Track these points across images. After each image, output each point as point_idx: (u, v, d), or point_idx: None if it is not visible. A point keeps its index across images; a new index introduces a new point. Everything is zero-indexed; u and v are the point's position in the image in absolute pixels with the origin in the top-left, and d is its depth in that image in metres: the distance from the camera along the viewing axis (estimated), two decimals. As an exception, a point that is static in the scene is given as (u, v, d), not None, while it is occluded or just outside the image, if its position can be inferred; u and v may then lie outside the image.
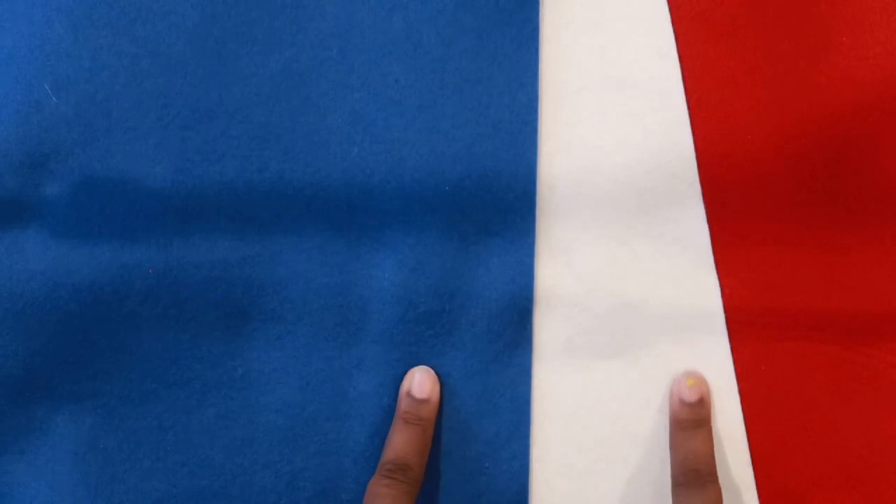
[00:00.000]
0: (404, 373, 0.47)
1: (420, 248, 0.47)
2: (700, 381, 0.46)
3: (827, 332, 0.47)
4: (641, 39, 0.47)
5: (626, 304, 0.47)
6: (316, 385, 0.47)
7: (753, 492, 0.47)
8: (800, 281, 0.47)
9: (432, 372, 0.47)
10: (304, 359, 0.47)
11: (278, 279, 0.47)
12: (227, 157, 0.46)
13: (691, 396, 0.46)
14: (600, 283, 0.47)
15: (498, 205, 0.47)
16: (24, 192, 0.46)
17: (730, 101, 0.47)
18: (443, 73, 0.47)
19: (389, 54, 0.46)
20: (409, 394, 0.46)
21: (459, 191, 0.46)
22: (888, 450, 0.47)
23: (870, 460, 0.47)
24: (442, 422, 0.47)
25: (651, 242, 0.47)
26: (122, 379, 0.47)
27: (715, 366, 0.47)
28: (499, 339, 0.47)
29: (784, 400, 0.47)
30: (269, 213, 0.46)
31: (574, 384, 0.48)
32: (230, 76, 0.46)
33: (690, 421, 0.46)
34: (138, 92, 0.46)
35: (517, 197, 0.47)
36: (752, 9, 0.47)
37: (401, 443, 0.45)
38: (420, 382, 0.46)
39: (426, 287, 0.47)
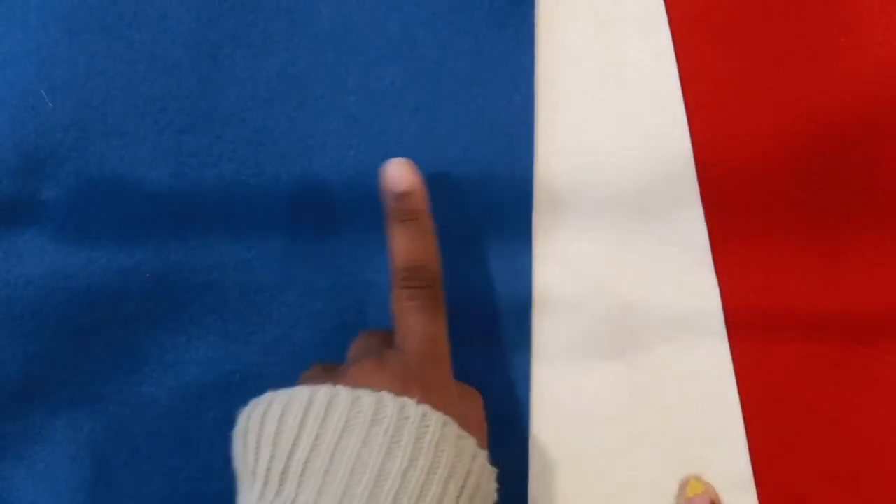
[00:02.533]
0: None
1: (418, 250, 0.47)
2: None
3: (826, 333, 0.47)
4: (638, 40, 0.47)
5: (625, 306, 0.47)
6: (314, 388, 0.47)
7: (753, 492, 0.47)
8: (799, 281, 0.47)
9: (408, 161, 0.42)
10: (302, 362, 0.47)
11: (275, 282, 0.47)
12: (223, 160, 0.46)
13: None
14: (599, 284, 0.47)
15: (495, 207, 0.47)
16: (21, 197, 0.46)
17: (727, 101, 0.47)
18: (439, 76, 0.47)
19: (385, 57, 0.46)
20: (390, 192, 0.42)
21: (456, 193, 0.46)
22: (888, 450, 0.47)
23: (870, 460, 0.47)
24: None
25: (649, 243, 0.47)
26: (120, 383, 0.46)
27: (714, 366, 0.47)
28: (497, 341, 0.47)
29: (783, 400, 0.47)
30: (266, 217, 0.46)
31: (573, 386, 0.48)
32: (226, 80, 0.46)
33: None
34: (134, 96, 0.46)
35: (514, 199, 0.47)
36: (749, 9, 0.47)
37: (404, 243, 0.41)
38: (395, 176, 0.42)
39: (424, 290, 0.47)
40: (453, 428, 0.37)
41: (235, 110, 0.46)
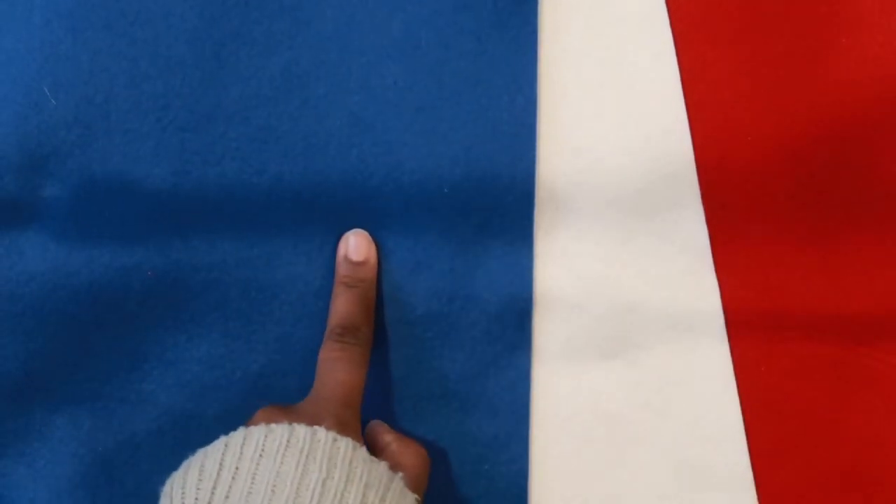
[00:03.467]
0: (404, 375, 0.47)
1: (419, 249, 0.47)
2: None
3: (826, 333, 0.47)
4: (640, 41, 0.47)
5: (625, 306, 0.47)
6: (315, 387, 0.47)
7: (753, 492, 0.47)
8: (799, 281, 0.47)
9: (367, 234, 0.46)
10: (303, 361, 0.47)
11: (277, 281, 0.47)
12: (225, 158, 0.46)
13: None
14: (599, 284, 0.47)
15: (497, 206, 0.47)
16: (24, 194, 0.46)
17: (728, 102, 0.47)
18: (441, 75, 0.47)
19: (388, 56, 0.47)
20: (346, 258, 0.46)
21: (458, 193, 0.47)
22: (887, 450, 0.47)
23: (869, 460, 0.47)
24: (441, 423, 0.47)
25: (650, 244, 0.47)
26: (121, 381, 0.46)
27: (714, 367, 0.47)
28: (498, 340, 0.47)
29: (783, 400, 0.47)
30: (268, 216, 0.46)
31: (573, 386, 0.48)
32: (229, 78, 0.46)
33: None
34: (137, 94, 0.46)
35: (516, 199, 0.47)
36: (750, 10, 0.47)
37: (345, 305, 0.45)
38: (356, 245, 0.46)
39: (425, 289, 0.47)
40: (363, 451, 0.39)
41: (239, 109, 0.46)
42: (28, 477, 0.46)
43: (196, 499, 0.37)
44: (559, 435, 0.48)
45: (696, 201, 0.47)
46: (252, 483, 0.36)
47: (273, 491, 0.36)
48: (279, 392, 0.47)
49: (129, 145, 0.46)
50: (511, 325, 0.47)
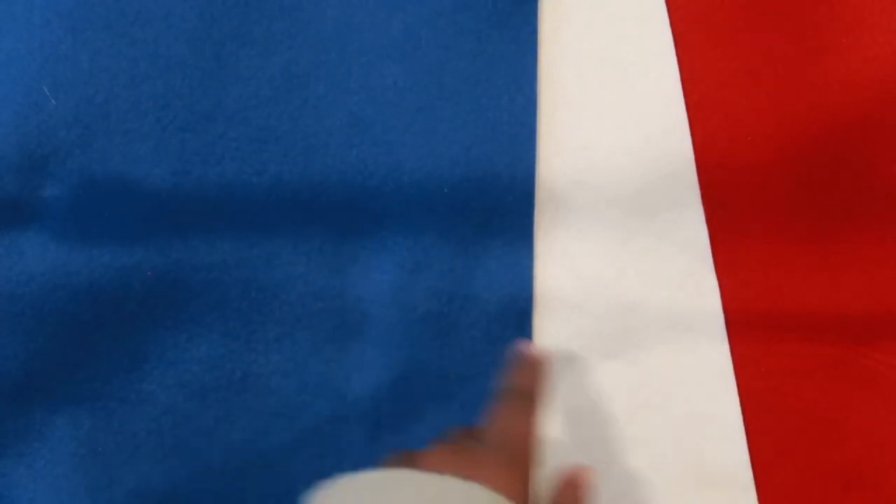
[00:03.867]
0: (403, 375, 0.47)
1: (419, 249, 0.47)
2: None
3: (826, 333, 0.47)
4: (640, 41, 0.47)
5: (626, 306, 0.47)
6: (315, 387, 0.47)
7: (753, 492, 0.47)
8: (799, 281, 0.47)
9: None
10: (303, 361, 0.47)
11: (277, 281, 0.47)
12: (225, 159, 0.46)
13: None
14: (599, 284, 0.47)
15: (497, 206, 0.47)
16: (24, 194, 0.46)
17: (728, 102, 0.47)
18: (441, 76, 0.47)
19: (388, 57, 0.47)
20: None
21: (458, 192, 0.47)
22: (887, 450, 0.47)
23: (869, 460, 0.47)
24: (441, 423, 0.47)
25: (650, 244, 0.47)
26: (121, 381, 0.46)
27: (714, 366, 0.47)
28: (498, 340, 0.47)
29: (783, 400, 0.47)
30: (268, 216, 0.46)
31: (573, 385, 0.48)
32: (229, 78, 0.46)
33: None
34: (137, 94, 0.46)
35: (516, 198, 0.47)
36: (750, 10, 0.47)
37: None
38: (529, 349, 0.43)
39: (425, 289, 0.47)
40: None
41: (238, 109, 0.46)
42: (28, 477, 0.46)
43: None
44: (559, 434, 0.48)
45: (696, 201, 0.47)
46: None
47: None
48: (279, 392, 0.47)
49: (128, 145, 0.46)
50: (511, 325, 0.47)
